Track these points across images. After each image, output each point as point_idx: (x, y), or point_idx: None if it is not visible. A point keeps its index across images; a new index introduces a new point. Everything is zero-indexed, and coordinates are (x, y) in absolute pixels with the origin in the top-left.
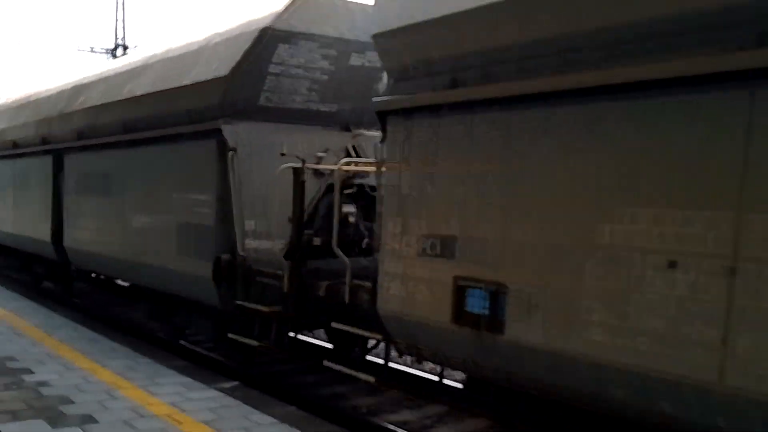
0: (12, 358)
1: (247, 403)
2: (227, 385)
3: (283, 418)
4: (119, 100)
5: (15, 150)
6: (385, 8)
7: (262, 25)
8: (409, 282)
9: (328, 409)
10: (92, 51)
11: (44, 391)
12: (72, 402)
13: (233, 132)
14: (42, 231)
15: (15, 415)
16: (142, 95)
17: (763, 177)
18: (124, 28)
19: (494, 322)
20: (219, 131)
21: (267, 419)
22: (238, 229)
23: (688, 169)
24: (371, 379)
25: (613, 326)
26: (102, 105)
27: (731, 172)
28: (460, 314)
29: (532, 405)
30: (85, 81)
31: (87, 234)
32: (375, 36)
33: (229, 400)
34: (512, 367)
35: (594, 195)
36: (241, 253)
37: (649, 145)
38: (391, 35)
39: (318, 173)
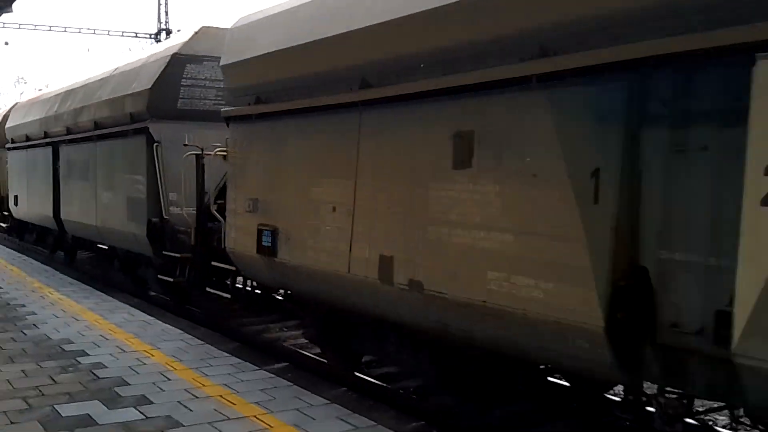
0: (68, 341)
1: (298, 384)
2: (278, 366)
3: (334, 399)
4: (90, 104)
5: (28, 142)
6: (225, 51)
7: (173, 51)
8: (239, 230)
9: (378, 391)
10: (136, 36)
11: (99, 372)
12: (127, 383)
13: (157, 129)
14: (47, 208)
15: (72, 396)
16: (104, 101)
17: (364, 164)
18: (167, 12)
19: (273, 250)
20: (147, 129)
21: (319, 400)
22: (162, 200)
23: (335, 159)
24: (227, 295)
25: (314, 247)
26: (80, 107)
27: (350, 160)
28: (259, 247)
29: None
30: (72, 87)
31: (74, 208)
32: (221, 67)
33: (280, 381)
34: (283, 277)
35: (307, 172)
36: (166, 217)
37: (315, 147)
38: (227, 68)
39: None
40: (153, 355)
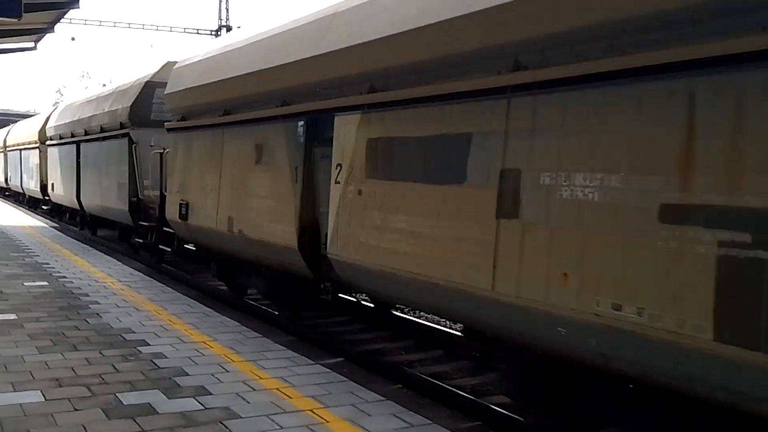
0: (129, 330)
1: (352, 380)
2: (332, 361)
3: (389, 396)
4: (98, 114)
5: (60, 140)
6: (168, 84)
7: (146, 79)
8: (171, 204)
9: (432, 389)
10: (198, 32)
11: (159, 362)
12: (186, 374)
13: (136, 134)
14: (72, 192)
15: (133, 385)
16: (105, 112)
17: (225, 162)
18: (227, 9)
19: (187, 216)
20: (129, 134)
21: (374, 396)
22: (139, 185)
23: (213, 158)
24: (168, 249)
25: (204, 213)
26: (93, 115)
27: (217, 159)
28: (180, 215)
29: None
30: (88, 99)
31: (88, 192)
32: (165, 95)
33: (335, 376)
34: (191, 234)
35: (201, 165)
36: (141, 197)
37: (205, 149)
38: (167, 96)
39: None
40: (211, 347)
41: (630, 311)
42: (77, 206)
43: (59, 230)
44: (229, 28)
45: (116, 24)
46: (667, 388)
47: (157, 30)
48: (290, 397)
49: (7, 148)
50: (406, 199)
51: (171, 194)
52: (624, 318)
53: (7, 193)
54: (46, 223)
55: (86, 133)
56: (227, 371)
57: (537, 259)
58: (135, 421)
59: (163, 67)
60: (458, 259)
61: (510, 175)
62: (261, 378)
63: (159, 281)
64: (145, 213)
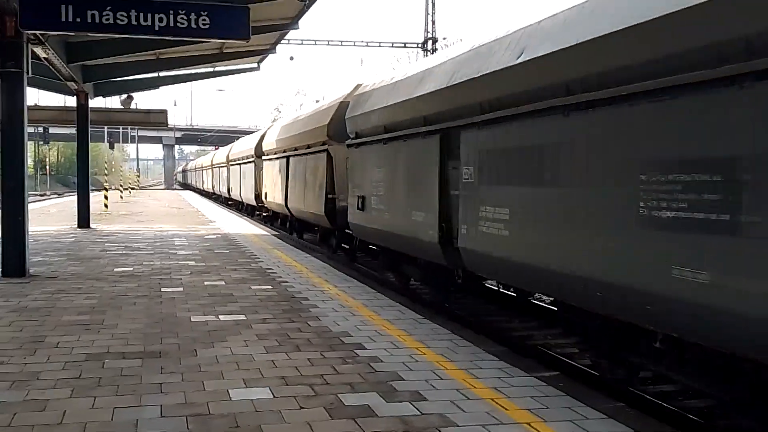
0: (347, 334)
1: (570, 395)
2: (547, 374)
3: (611, 414)
4: (298, 133)
5: (274, 155)
6: (348, 110)
7: (340, 100)
8: (351, 206)
9: (658, 409)
10: (405, 46)
11: (376, 366)
12: (401, 378)
13: (332, 148)
14: (281, 199)
15: (352, 387)
16: (305, 132)
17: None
18: (434, 21)
19: (363, 219)
20: (327, 150)
21: (595, 413)
22: (336, 191)
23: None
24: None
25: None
26: (296, 134)
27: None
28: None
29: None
30: (295, 119)
31: (293, 199)
32: (346, 119)
33: (551, 390)
34: (369, 235)
35: (373, 170)
36: (336, 204)
37: (375, 159)
38: (347, 119)
39: None
40: (424, 353)
41: None
42: (286, 211)
43: (279, 238)
44: (435, 41)
45: (330, 42)
46: None
47: (366, 46)
48: (506, 409)
49: (230, 163)
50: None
51: (352, 197)
52: None
53: (229, 203)
54: (268, 232)
55: (295, 150)
56: (441, 378)
57: None
58: (356, 422)
59: (354, 89)
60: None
61: None
62: (474, 387)
63: (371, 287)
64: (340, 217)
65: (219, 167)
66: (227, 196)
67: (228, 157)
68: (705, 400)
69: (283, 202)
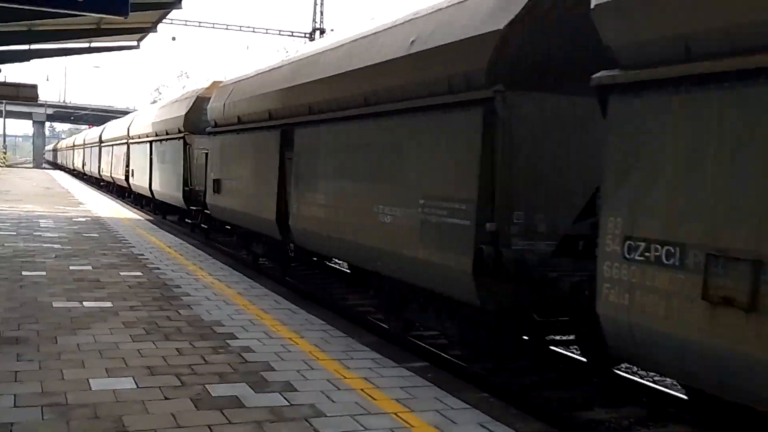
0: (219, 323)
1: (438, 385)
2: (417, 365)
3: (476, 404)
4: (163, 120)
5: (138, 140)
6: (211, 101)
7: (197, 94)
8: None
9: (520, 399)
10: (292, 35)
11: (247, 356)
12: (273, 369)
13: (188, 138)
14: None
15: (222, 377)
16: (167, 119)
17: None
18: (322, 12)
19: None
20: (183, 138)
21: (460, 404)
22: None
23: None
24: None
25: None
26: (157, 121)
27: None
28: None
29: None
30: (161, 107)
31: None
32: (207, 109)
33: (419, 380)
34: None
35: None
36: (191, 187)
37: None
38: (209, 109)
39: None
40: (298, 343)
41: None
42: (149, 194)
43: (153, 222)
44: (322, 31)
45: (215, 25)
46: None
47: (253, 32)
48: (375, 399)
49: (102, 144)
50: None
51: (209, 182)
52: None
53: (101, 184)
54: (141, 215)
55: (156, 135)
56: (313, 369)
57: None
58: (222, 413)
59: (211, 85)
60: None
61: None
62: (346, 377)
63: (248, 276)
64: (195, 199)
65: (90, 147)
66: (98, 176)
67: (101, 137)
68: (567, 392)
69: (147, 186)
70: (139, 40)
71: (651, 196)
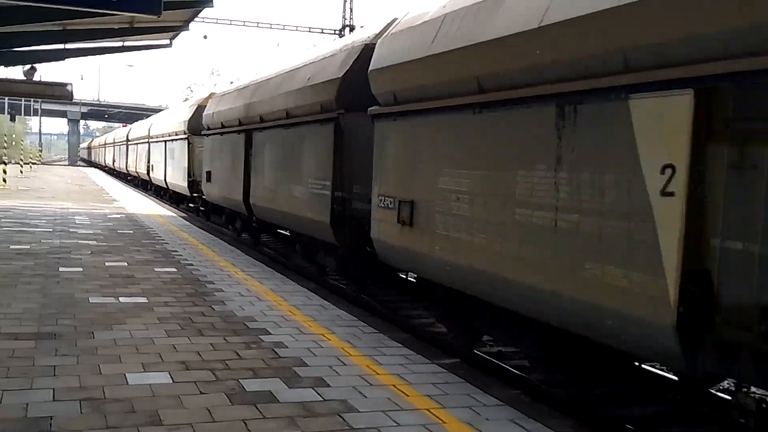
0: (251, 319)
1: (470, 382)
2: (448, 361)
3: (508, 401)
4: (168, 122)
5: (158, 139)
6: (207, 108)
7: (198, 103)
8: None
9: (552, 397)
10: (322, 32)
11: (280, 351)
12: (305, 364)
13: (191, 138)
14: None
15: (255, 372)
16: (175, 123)
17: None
18: (351, 9)
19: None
20: (187, 138)
21: (492, 400)
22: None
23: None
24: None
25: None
26: (171, 123)
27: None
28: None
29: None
30: (179, 109)
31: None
32: (203, 115)
33: (451, 377)
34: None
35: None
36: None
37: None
38: (204, 116)
39: None
40: (329, 339)
41: None
42: (165, 186)
43: (186, 219)
44: (352, 28)
45: (245, 23)
46: None
47: (283, 29)
48: (407, 395)
49: (129, 142)
50: None
51: (204, 174)
52: None
53: (128, 178)
54: (175, 213)
55: (168, 135)
56: (345, 364)
57: None
58: (257, 407)
59: (209, 96)
60: None
61: None
62: (378, 374)
63: (280, 272)
64: (196, 188)
65: (119, 145)
66: (125, 171)
67: (127, 136)
68: (599, 389)
69: (163, 178)
70: (172, 38)
71: (386, 173)
